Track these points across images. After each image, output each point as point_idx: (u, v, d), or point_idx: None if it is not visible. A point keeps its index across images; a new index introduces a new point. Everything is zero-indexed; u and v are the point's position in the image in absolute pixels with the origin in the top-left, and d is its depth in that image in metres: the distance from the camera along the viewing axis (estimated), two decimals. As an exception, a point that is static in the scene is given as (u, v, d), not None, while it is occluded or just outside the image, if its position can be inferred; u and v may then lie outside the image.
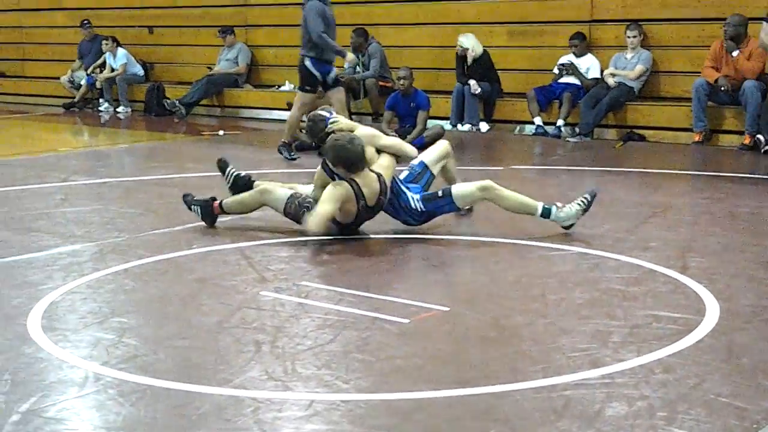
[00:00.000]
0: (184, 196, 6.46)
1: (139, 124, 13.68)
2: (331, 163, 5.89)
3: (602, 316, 4.36)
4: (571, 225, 5.98)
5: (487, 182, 6.06)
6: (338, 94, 9.50)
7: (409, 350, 3.94)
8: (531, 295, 4.77)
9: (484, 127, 11.61)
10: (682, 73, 10.96)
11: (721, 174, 8.54)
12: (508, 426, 3.21)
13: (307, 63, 9.40)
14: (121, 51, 14.99)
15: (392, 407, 3.38)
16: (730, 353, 3.88)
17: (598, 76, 11.18)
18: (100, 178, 8.60)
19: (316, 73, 9.39)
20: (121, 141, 12.24)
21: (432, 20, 12.79)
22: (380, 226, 6.12)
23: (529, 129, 11.42)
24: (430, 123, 10.80)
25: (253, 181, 6.50)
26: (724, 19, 10.18)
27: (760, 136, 9.68)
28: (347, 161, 5.82)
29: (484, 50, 11.60)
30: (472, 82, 11.42)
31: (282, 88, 13.86)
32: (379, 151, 6.14)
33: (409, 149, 6.35)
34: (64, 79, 15.78)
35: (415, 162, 6.34)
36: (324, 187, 5.88)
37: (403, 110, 10.70)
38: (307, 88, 9.51)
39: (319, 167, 6.03)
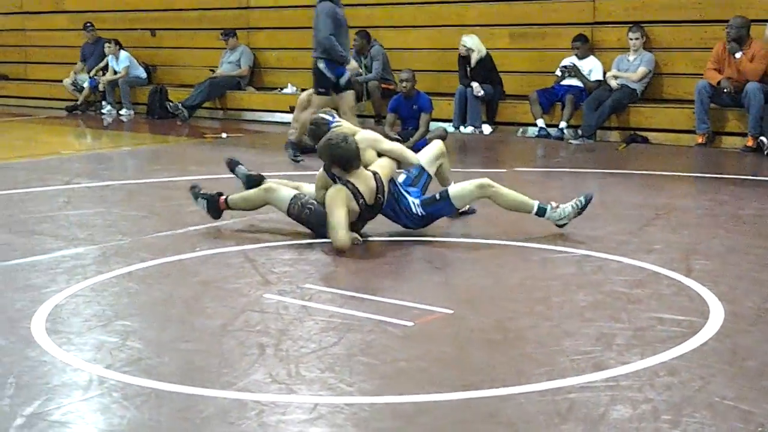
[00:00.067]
0: (192, 187, 6.48)
1: (141, 127, 13.68)
2: (326, 164, 5.88)
3: (606, 318, 4.36)
4: (565, 224, 6.02)
5: (484, 180, 6.07)
6: (348, 98, 9.35)
7: (413, 353, 3.93)
8: (535, 297, 4.76)
9: (486, 129, 11.61)
10: (684, 75, 10.95)
11: (724, 176, 8.52)
12: (513, 429, 3.20)
13: (321, 65, 9.28)
14: (123, 54, 14.99)
15: (396, 410, 3.37)
16: (735, 356, 3.88)
17: (600, 78, 11.17)
18: (102, 181, 8.59)
19: (330, 75, 9.29)
20: (124, 144, 12.25)
21: (433, 22, 12.78)
22: (382, 228, 6.12)
23: (532, 131, 11.42)
24: (433, 125, 10.79)
25: (264, 180, 6.51)
26: (727, 21, 10.17)
27: (763, 138, 9.68)
28: (342, 159, 5.80)
29: (487, 52, 11.61)
30: (474, 84, 11.43)
31: (284, 91, 13.87)
32: (380, 155, 6.15)
33: (410, 156, 6.29)
34: (66, 82, 15.78)
35: (412, 164, 6.35)
36: (325, 188, 5.87)
37: (405, 113, 10.69)
38: (321, 90, 9.40)
39: (321, 169, 6.03)
